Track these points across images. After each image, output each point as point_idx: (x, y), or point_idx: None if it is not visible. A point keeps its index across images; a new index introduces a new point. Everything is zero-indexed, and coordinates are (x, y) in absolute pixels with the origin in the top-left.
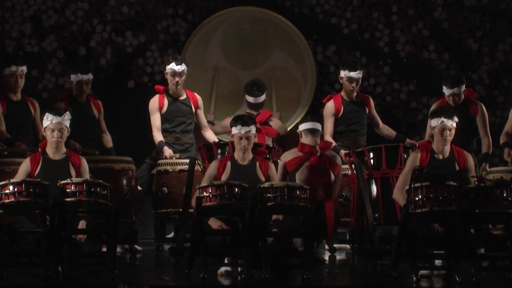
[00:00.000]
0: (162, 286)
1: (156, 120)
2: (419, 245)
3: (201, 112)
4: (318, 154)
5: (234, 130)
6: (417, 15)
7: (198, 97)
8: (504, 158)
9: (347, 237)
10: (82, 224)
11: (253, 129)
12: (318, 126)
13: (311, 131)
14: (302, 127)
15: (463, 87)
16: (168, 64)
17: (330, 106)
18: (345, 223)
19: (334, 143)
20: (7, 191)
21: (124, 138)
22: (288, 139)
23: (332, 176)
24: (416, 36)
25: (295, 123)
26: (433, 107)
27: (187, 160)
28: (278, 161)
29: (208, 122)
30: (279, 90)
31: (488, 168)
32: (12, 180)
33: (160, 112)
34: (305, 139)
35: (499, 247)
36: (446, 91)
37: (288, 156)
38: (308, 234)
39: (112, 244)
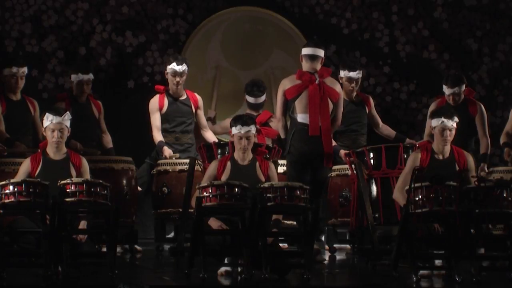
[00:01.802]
0: (162, 286)
1: (156, 120)
2: (419, 245)
3: (201, 113)
4: (317, 82)
5: (234, 130)
6: (417, 15)
7: (198, 97)
8: (504, 158)
9: (347, 237)
10: (83, 224)
11: (253, 129)
12: (319, 52)
13: (311, 57)
14: (304, 51)
15: (464, 87)
16: (169, 64)
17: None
18: (345, 223)
19: (334, 143)
20: (7, 191)
21: (124, 138)
22: None
23: (331, 104)
24: (416, 36)
25: None
26: (432, 107)
27: (187, 160)
28: (278, 161)
29: (209, 118)
30: None
31: (486, 169)
32: (12, 180)
33: (160, 112)
34: (305, 65)
35: (499, 247)
36: (446, 90)
37: (287, 83)
38: (308, 234)
39: (112, 244)
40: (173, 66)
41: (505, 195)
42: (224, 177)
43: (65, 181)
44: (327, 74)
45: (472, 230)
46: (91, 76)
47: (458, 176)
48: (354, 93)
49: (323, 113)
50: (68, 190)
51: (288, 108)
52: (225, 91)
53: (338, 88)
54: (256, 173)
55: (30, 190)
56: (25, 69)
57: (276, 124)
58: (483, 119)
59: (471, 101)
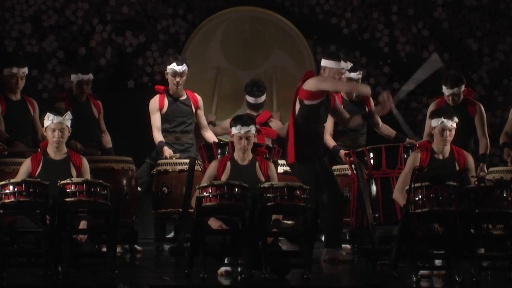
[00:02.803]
0: (162, 286)
1: (156, 120)
2: (419, 245)
3: (201, 113)
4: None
5: (234, 130)
6: (417, 15)
7: (198, 97)
8: (504, 158)
9: (347, 237)
10: (83, 224)
11: (252, 129)
12: (322, 62)
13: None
14: None
15: (463, 87)
16: (169, 64)
17: None
18: (345, 223)
19: (334, 143)
20: (7, 191)
21: (124, 138)
22: None
23: (298, 104)
24: (416, 36)
25: None
26: (432, 107)
27: (187, 160)
28: (278, 161)
29: (210, 122)
30: (279, 90)
31: (485, 169)
32: (12, 180)
33: (160, 112)
34: None
35: (499, 247)
36: (445, 91)
37: None
38: (308, 234)
39: (112, 244)
40: (173, 66)
41: (505, 195)
42: (224, 177)
43: (65, 181)
44: (303, 77)
45: (472, 230)
46: (91, 76)
47: (458, 176)
48: (354, 93)
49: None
50: (68, 190)
51: None
52: (225, 91)
53: (307, 85)
54: (256, 173)
55: (30, 190)
56: (25, 70)
57: (276, 124)
58: (482, 119)
59: (470, 101)
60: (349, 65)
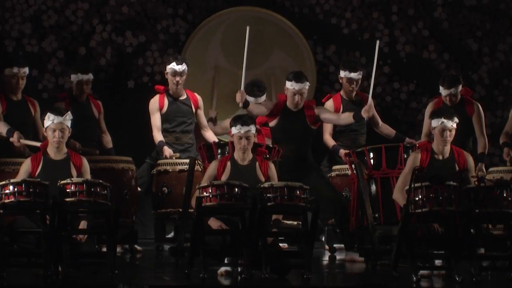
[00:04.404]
0: (162, 286)
1: (156, 120)
2: (419, 245)
3: (201, 112)
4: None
5: (234, 130)
6: (417, 15)
7: (199, 97)
8: (504, 158)
9: None
10: (83, 224)
11: (252, 129)
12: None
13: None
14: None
15: (460, 87)
16: (169, 64)
17: (329, 106)
18: None
19: (333, 143)
20: (7, 191)
21: (124, 138)
22: None
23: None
24: (416, 36)
25: None
26: (430, 107)
27: (187, 160)
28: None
29: (210, 119)
30: (279, 90)
31: (484, 168)
32: (12, 180)
33: (160, 112)
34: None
35: (499, 247)
36: (443, 91)
37: None
38: (308, 234)
39: (112, 244)
40: (173, 66)
41: (505, 195)
42: (224, 177)
43: (65, 181)
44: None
45: (472, 230)
46: (90, 76)
47: (458, 176)
48: (354, 93)
49: None
50: (68, 190)
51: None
52: (225, 91)
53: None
54: (256, 173)
55: (30, 190)
56: (26, 70)
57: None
58: (480, 118)
59: (468, 101)
60: (306, 85)
